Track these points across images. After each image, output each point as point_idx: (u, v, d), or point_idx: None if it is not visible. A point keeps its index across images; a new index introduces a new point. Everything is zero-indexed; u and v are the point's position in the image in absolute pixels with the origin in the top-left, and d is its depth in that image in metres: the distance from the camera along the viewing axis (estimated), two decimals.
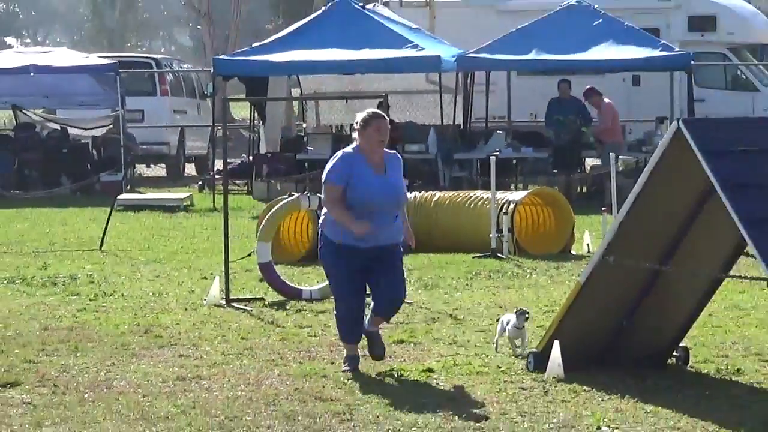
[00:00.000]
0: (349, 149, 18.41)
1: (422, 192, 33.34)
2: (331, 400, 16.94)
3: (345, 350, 18.71)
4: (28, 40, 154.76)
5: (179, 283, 25.92)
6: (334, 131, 46.21)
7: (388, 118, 17.56)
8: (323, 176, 18.42)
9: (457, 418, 16.13)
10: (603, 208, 29.87)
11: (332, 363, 18.99)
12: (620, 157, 35.18)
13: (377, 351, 18.61)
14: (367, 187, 17.71)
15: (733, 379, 18.17)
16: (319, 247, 18.99)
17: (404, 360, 19.14)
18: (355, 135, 18.12)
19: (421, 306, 23.36)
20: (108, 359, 19.17)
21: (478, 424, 15.80)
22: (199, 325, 21.64)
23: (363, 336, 18.73)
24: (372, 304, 18.68)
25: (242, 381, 17.93)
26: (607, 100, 42.82)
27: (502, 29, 45.38)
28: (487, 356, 19.28)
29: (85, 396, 17.03)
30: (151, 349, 19.92)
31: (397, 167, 18.22)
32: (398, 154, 18.37)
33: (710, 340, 19.59)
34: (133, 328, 21.39)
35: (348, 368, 18.23)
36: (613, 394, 16.80)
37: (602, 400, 16.69)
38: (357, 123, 18.13)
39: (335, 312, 18.81)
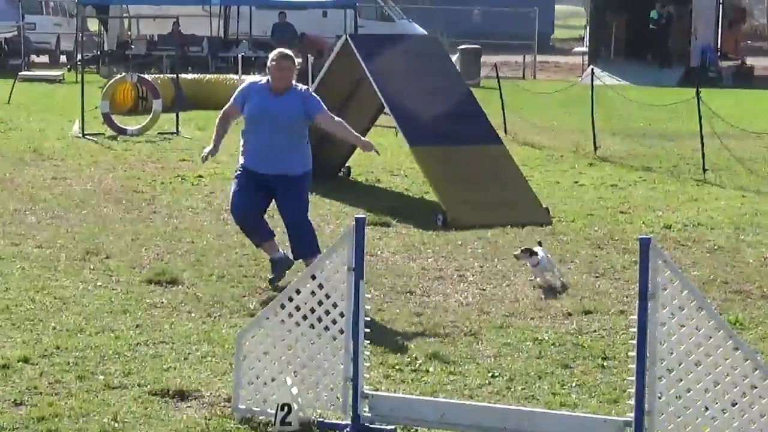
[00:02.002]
0: (258, 79, 12.55)
1: (198, 74, 33.04)
2: (142, 192, 16.77)
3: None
4: None
5: (55, 123, 25.36)
6: (147, 38, 45.33)
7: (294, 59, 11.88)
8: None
9: (215, 200, 16.04)
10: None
11: (143, 171, 18.76)
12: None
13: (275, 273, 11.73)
14: (259, 104, 11.69)
15: (375, 186, 18.27)
16: None
17: (186, 171, 18.93)
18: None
19: (192, 139, 23.01)
20: (11, 167, 18.78)
21: (225, 206, 15.66)
22: (66, 148, 21.31)
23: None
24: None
25: (90, 180, 17.71)
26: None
27: None
28: (233, 169, 19.10)
29: None
30: (37, 161, 19.55)
31: (298, 98, 11.74)
32: (313, 94, 12.04)
33: (363, 162, 19.51)
34: (27, 149, 20.94)
35: (271, 277, 11.67)
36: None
37: None
38: (270, 60, 11.82)
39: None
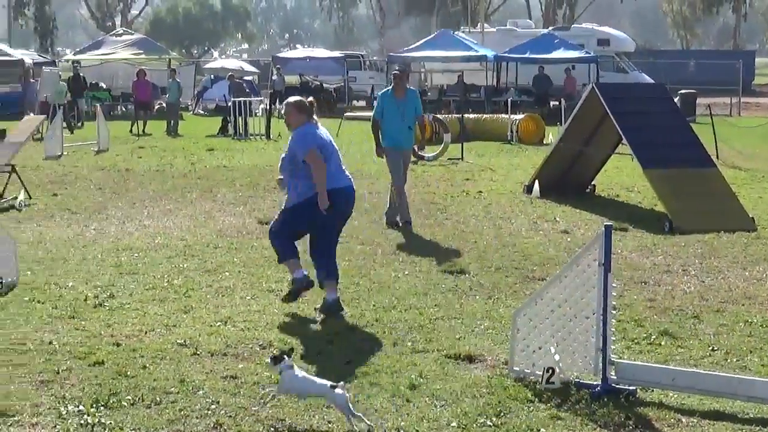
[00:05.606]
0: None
1: (477, 114, 32.96)
2: (437, 203, 16.73)
3: None
4: None
5: (372, 152, 25.57)
6: (439, 87, 45.62)
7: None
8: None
9: (492, 210, 15.97)
10: (558, 123, 29.28)
11: (437, 188, 18.74)
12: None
13: None
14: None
15: (615, 199, 17.90)
16: None
17: (469, 187, 18.92)
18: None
19: (473, 163, 23.05)
20: None
21: (500, 215, 15.61)
22: (380, 170, 21.34)
23: None
24: None
25: None
26: (572, 75, 41.57)
27: (514, 43, 44.64)
28: (506, 187, 19.03)
29: None
30: (358, 179, 19.60)
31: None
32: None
33: (605, 181, 19.20)
34: (351, 170, 21.04)
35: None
36: (562, 203, 16.55)
37: (558, 205, 16.42)
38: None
39: None
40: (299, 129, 9.71)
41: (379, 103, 14.74)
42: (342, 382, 6.72)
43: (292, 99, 9.98)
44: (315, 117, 9.86)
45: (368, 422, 6.58)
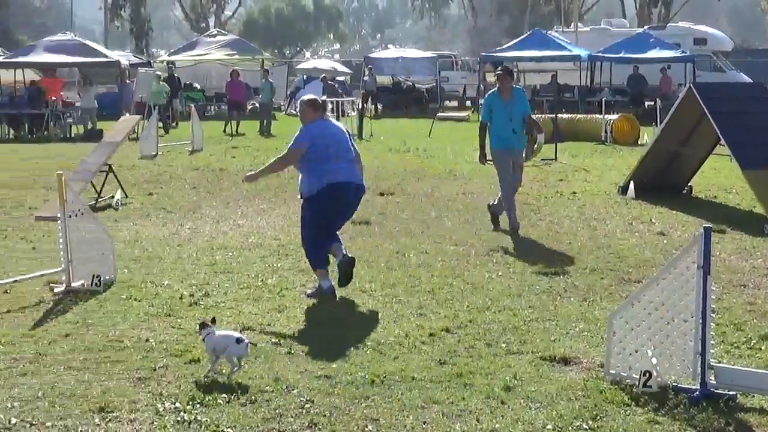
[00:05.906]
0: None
1: (570, 114, 32.69)
2: (530, 204, 16.62)
3: None
4: None
5: (464, 151, 25.51)
6: (532, 87, 45.38)
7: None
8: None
9: (586, 211, 15.83)
10: (653, 123, 28.94)
11: (530, 188, 18.63)
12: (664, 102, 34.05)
13: None
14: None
15: (712, 201, 17.61)
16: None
17: (563, 188, 18.79)
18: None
19: (567, 164, 22.86)
20: (432, 184, 18.98)
21: (594, 216, 15.47)
22: (473, 170, 21.26)
23: None
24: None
25: (491, 195, 17.67)
26: (668, 74, 41.06)
27: (609, 42, 44.14)
28: (600, 187, 18.85)
29: None
30: (450, 179, 19.60)
31: None
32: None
33: (702, 182, 18.91)
34: (443, 171, 21.13)
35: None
36: (658, 204, 16.36)
37: (653, 206, 16.22)
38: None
39: None
40: (307, 125, 10.17)
41: (486, 106, 14.31)
42: (247, 339, 7.64)
43: (306, 97, 10.54)
44: (327, 113, 10.42)
45: (234, 377, 7.44)
